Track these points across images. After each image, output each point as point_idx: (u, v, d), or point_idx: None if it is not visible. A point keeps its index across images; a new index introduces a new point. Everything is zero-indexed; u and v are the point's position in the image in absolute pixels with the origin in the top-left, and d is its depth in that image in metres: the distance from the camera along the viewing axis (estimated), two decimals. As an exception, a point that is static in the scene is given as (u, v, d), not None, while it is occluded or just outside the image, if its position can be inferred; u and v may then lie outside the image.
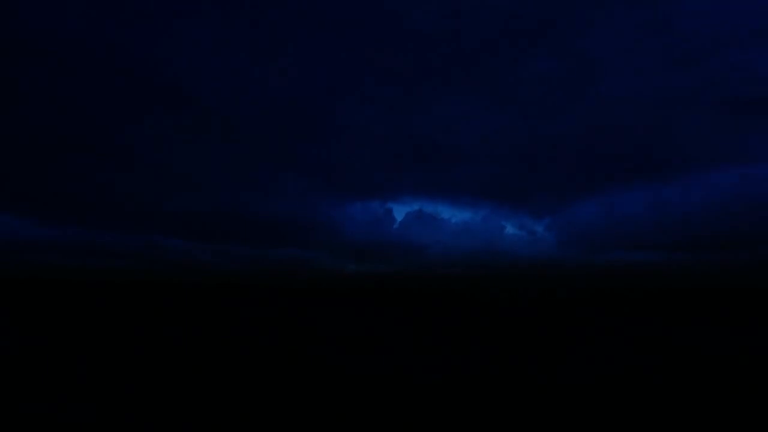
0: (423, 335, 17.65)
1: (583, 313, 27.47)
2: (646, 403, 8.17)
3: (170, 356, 12.57)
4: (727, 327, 19.72)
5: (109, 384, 9.39)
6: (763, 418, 7.48)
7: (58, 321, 21.39)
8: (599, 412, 7.75)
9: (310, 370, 10.86)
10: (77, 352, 12.94)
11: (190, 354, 12.96)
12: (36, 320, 21.49)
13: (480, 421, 7.32)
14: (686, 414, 7.63)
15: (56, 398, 8.35)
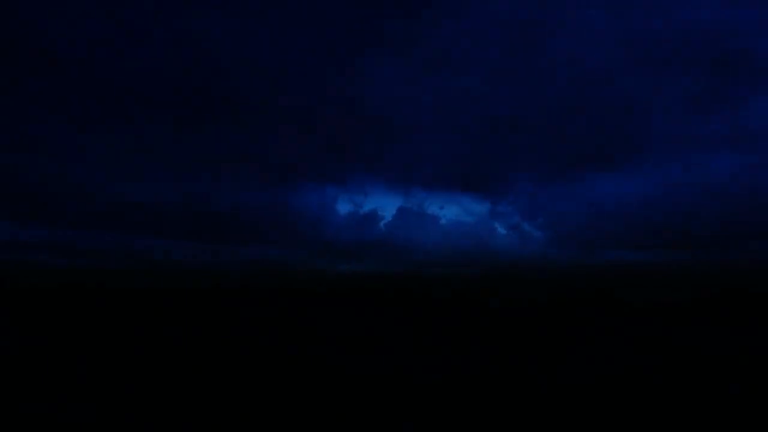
0: (423, 335, 17.65)
1: (582, 313, 27.48)
2: (646, 403, 8.17)
3: (170, 356, 12.56)
4: (727, 327, 19.72)
5: (109, 384, 9.38)
6: (763, 418, 7.48)
7: (57, 321, 21.37)
8: (599, 412, 7.75)
9: (310, 370, 10.86)
10: (77, 353, 12.93)
11: (190, 354, 12.95)
12: (36, 320, 21.47)
13: (480, 421, 7.31)
14: (686, 414, 7.63)
15: (56, 398, 8.34)
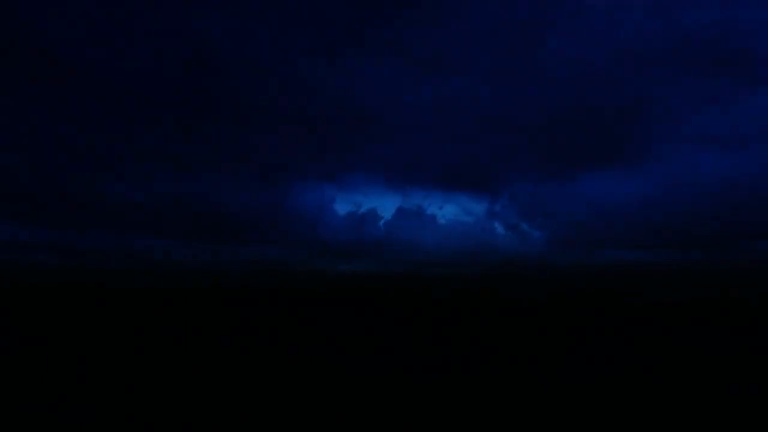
0: (423, 335, 17.64)
1: (582, 313, 27.48)
2: (646, 403, 8.17)
3: (170, 357, 12.55)
4: (727, 327, 19.71)
5: (109, 384, 9.38)
6: (763, 418, 7.48)
7: (57, 321, 21.36)
8: (599, 412, 7.75)
9: (310, 370, 10.85)
10: (77, 353, 12.92)
11: (190, 354, 12.95)
12: (36, 320, 21.46)
13: (480, 421, 7.31)
14: (686, 414, 7.63)
15: (56, 398, 8.34)
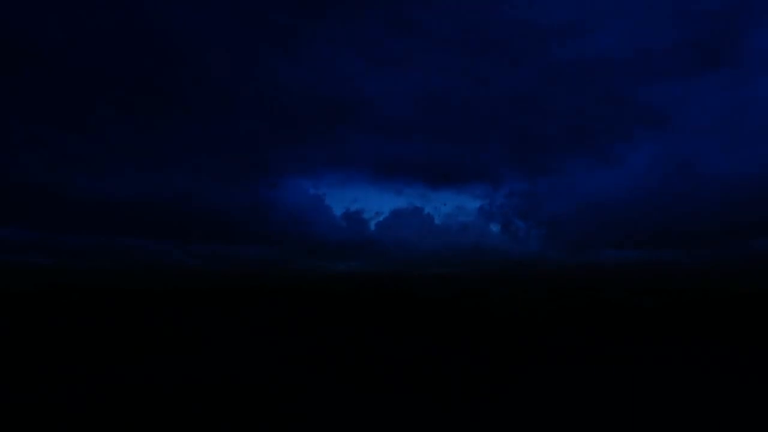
0: (419, 336, 17.58)
1: (580, 313, 27.51)
2: (646, 403, 8.12)
3: (168, 356, 12.47)
4: (727, 327, 19.71)
5: (105, 385, 9.29)
6: (763, 418, 7.43)
7: (55, 322, 21.26)
8: (599, 412, 7.69)
9: (308, 371, 10.78)
10: (74, 353, 12.81)
11: (189, 354, 12.87)
12: (34, 321, 21.35)
13: (479, 421, 7.25)
14: (685, 414, 7.58)
15: (54, 398, 8.24)
